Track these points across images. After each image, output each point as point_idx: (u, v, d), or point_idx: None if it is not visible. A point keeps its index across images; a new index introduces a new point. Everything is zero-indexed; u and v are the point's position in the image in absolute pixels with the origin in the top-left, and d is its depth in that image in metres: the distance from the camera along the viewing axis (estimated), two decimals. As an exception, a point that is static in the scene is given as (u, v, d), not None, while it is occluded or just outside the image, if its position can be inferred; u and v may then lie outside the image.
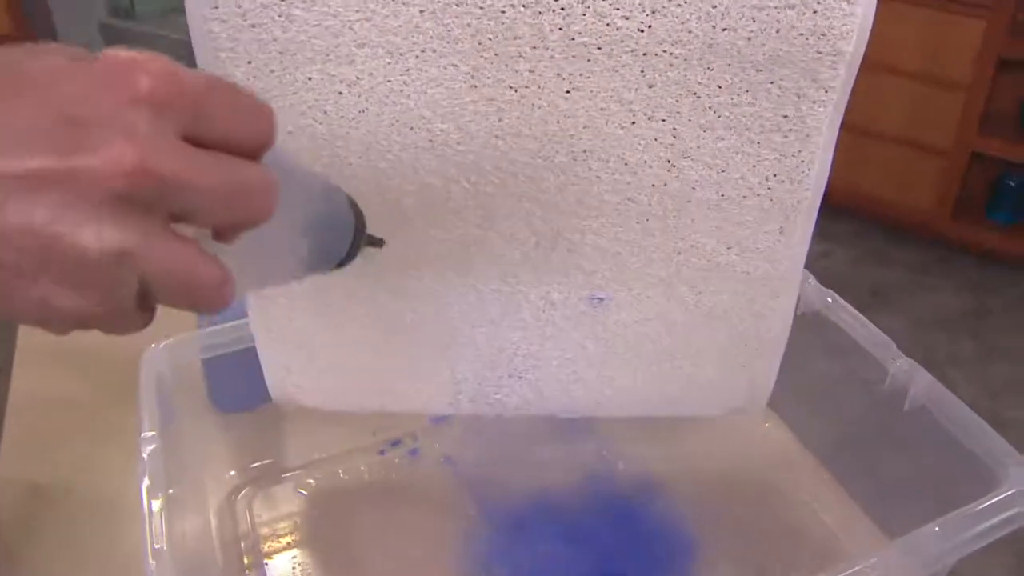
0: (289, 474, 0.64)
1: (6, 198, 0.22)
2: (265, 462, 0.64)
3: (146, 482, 0.47)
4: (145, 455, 0.49)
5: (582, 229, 0.49)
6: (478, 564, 0.57)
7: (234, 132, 0.26)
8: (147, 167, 0.23)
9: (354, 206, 0.37)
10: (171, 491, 0.49)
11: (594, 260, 0.50)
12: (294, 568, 0.57)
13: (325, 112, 0.44)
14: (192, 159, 0.24)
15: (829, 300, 0.61)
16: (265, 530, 0.59)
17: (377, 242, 0.40)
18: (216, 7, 0.40)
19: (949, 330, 1.94)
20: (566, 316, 0.53)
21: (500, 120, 0.44)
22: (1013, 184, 2.10)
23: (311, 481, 0.63)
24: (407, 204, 0.47)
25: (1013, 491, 0.48)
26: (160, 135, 0.24)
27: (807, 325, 0.58)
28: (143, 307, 0.27)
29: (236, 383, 0.64)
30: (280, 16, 0.40)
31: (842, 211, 2.20)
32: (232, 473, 0.63)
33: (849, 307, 0.61)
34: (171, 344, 0.56)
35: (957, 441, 0.53)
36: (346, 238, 0.36)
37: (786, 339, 0.56)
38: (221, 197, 0.25)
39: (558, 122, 0.45)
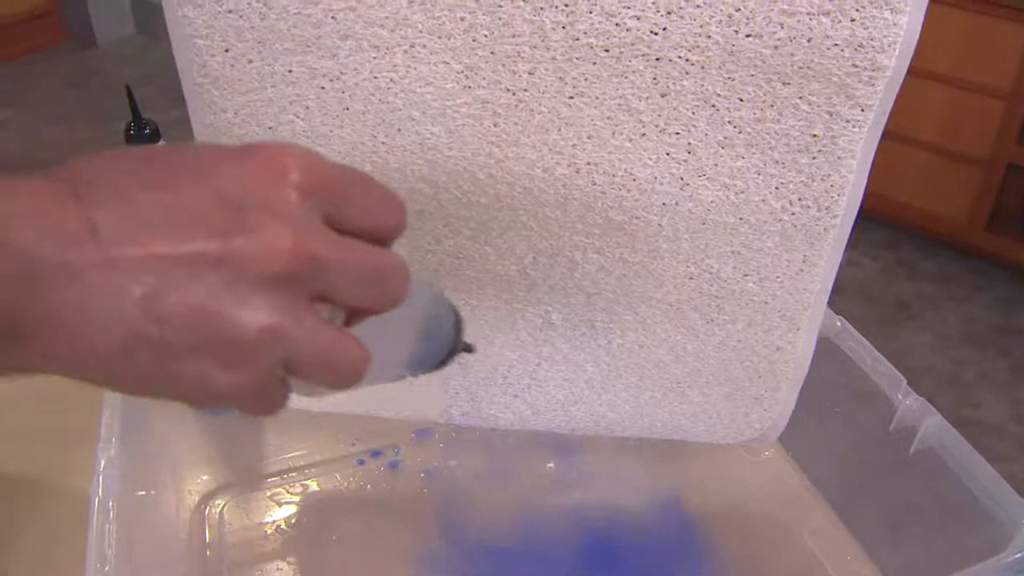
0: (265, 481, 0.61)
1: (172, 279, 0.24)
2: (240, 468, 0.61)
3: (99, 492, 0.44)
4: (102, 462, 0.46)
5: (584, 247, 0.45)
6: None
7: (370, 220, 0.28)
8: (301, 250, 0.25)
9: (456, 314, 0.37)
10: (140, 493, 0.46)
11: (597, 281, 0.46)
12: (260, 580, 0.54)
13: (307, 108, 0.41)
14: (337, 243, 0.26)
15: (839, 325, 0.56)
16: (235, 539, 0.56)
17: (470, 348, 0.38)
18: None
19: (979, 346, 1.86)
20: (566, 337, 0.49)
21: (496, 125, 0.40)
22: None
23: (286, 491, 0.60)
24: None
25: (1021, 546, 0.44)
26: (310, 220, 0.26)
27: (815, 351, 0.54)
28: (284, 384, 0.28)
29: None
30: (258, 2, 0.37)
31: (871, 219, 2.12)
32: (205, 478, 0.60)
33: (859, 335, 0.56)
34: None
35: (966, 489, 0.49)
36: (446, 344, 0.36)
37: (805, 373, 0.51)
38: (360, 279, 0.27)
39: (559, 130, 0.41)
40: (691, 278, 0.46)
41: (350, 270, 0.27)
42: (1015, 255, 2.05)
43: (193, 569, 0.54)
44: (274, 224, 0.25)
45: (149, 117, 0.74)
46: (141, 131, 0.73)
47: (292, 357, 0.26)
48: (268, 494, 0.60)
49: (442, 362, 0.37)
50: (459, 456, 0.63)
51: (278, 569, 0.55)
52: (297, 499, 0.60)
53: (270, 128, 0.42)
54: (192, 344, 0.25)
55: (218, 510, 0.58)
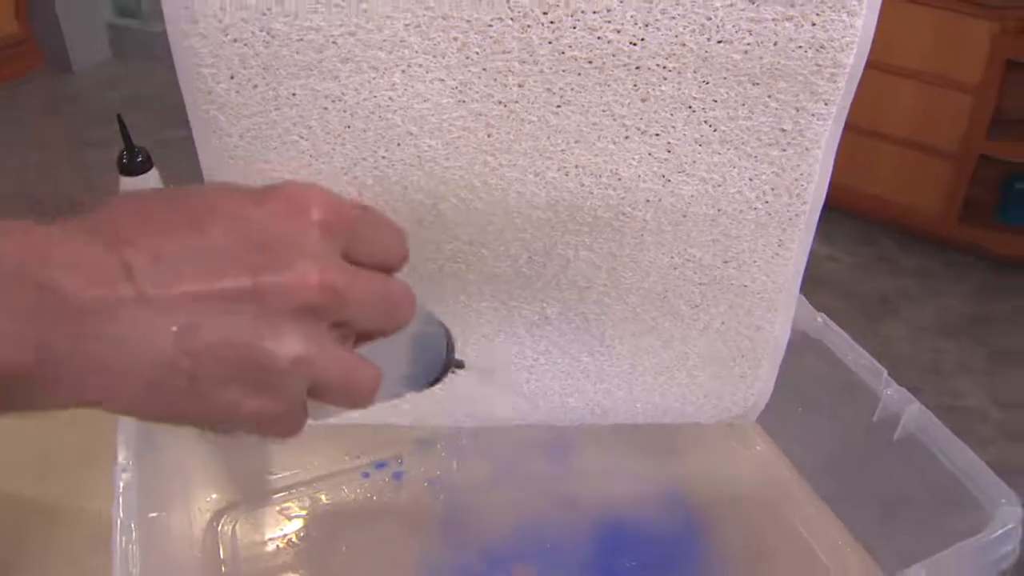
0: (273, 497, 0.62)
1: (207, 315, 0.25)
2: (248, 485, 0.63)
3: (120, 514, 0.46)
4: (120, 483, 0.48)
5: (575, 245, 0.48)
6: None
7: (379, 252, 0.31)
8: (327, 283, 0.27)
9: (447, 332, 0.39)
10: (152, 515, 0.48)
11: (588, 275, 0.49)
12: (275, 593, 0.56)
13: (310, 128, 0.43)
14: (355, 275, 0.29)
15: (820, 321, 0.59)
16: (247, 554, 0.58)
17: (460, 364, 0.41)
18: (196, 22, 0.39)
19: (956, 337, 1.92)
20: (561, 331, 0.52)
21: (489, 136, 0.43)
22: (1022, 187, 2.08)
23: (295, 505, 0.62)
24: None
25: (1008, 528, 0.47)
26: (331, 255, 0.28)
27: (797, 347, 0.57)
28: (304, 407, 0.30)
29: None
30: (262, 31, 0.39)
31: (849, 214, 2.18)
32: (215, 496, 0.62)
33: (840, 330, 0.60)
34: None
35: (948, 472, 0.52)
36: (439, 361, 0.38)
37: (784, 349, 0.54)
38: (375, 307, 0.30)
39: (548, 137, 0.44)
40: (675, 267, 0.49)
41: (367, 299, 0.29)
42: (988, 246, 2.12)
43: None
44: (301, 260, 0.27)
45: (140, 144, 0.75)
46: (134, 159, 0.75)
47: (318, 382, 0.28)
48: (277, 509, 0.62)
49: (436, 379, 0.39)
50: (461, 463, 0.65)
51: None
52: (305, 513, 0.61)
53: (274, 149, 0.44)
54: (224, 374, 0.26)
55: (230, 527, 0.60)
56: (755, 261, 0.49)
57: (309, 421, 0.32)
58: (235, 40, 0.40)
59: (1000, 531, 0.47)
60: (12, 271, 0.24)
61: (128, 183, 0.75)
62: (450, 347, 0.39)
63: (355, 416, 0.56)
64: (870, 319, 1.93)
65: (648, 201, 0.46)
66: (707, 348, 0.53)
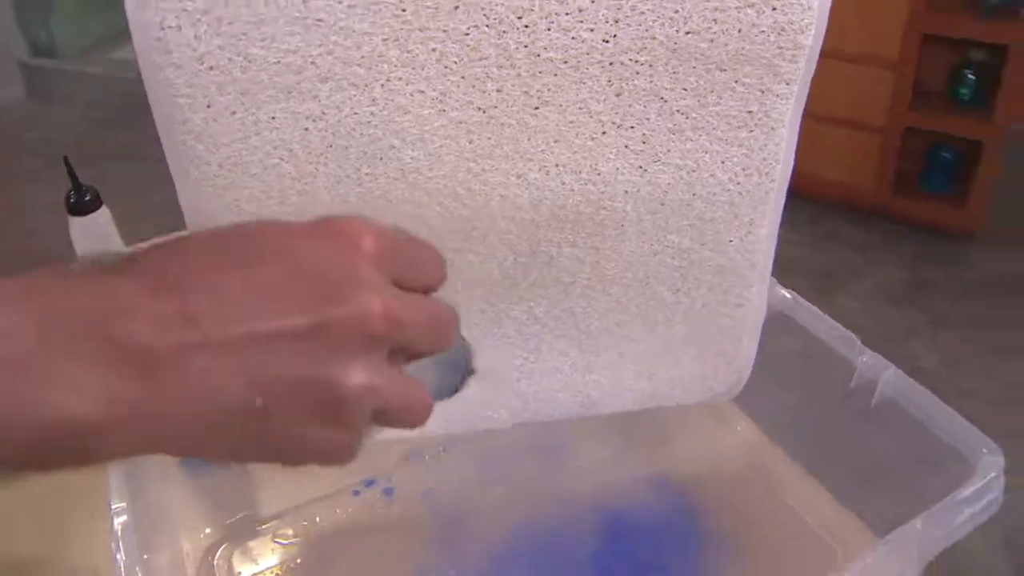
0: (265, 526, 0.62)
1: (275, 354, 0.26)
2: (239, 516, 0.63)
3: (121, 556, 0.45)
4: (118, 527, 0.47)
5: (559, 242, 0.49)
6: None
7: (423, 277, 0.31)
8: (390, 312, 0.27)
9: (467, 342, 0.40)
10: (145, 556, 0.47)
11: (572, 271, 0.50)
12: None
13: (291, 150, 0.43)
14: (410, 301, 0.29)
15: (788, 296, 0.61)
16: (246, 585, 0.58)
17: (473, 371, 0.42)
18: (169, 52, 0.39)
19: (899, 305, 1.99)
20: (549, 328, 0.53)
21: (470, 142, 0.44)
22: (948, 156, 2.16)
23: (288, 531, 0.62)
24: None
25: (991, 476, 0.49)
26: (387, 284, 0.28)
27: (769, 325, 0.58)
28: (364, 434, 0.30)
29: None
30: (239, 56, 0.39)
31: (796, 196, 2.23)
32: (208, 531, 0.61)
33: (810, 305, 0.61)
34: None
35: (928, 431, 0.54)
36: (462, 371, 0.40)
37: (761, 324, 0.56)
38: (428, 330, 0.30)
39: (528, 139, 0.45)
40: (655, 254, 0.50)
41: (422, 324, 0.29)
42: (920, 214, 2.20)
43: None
44: (360, 292, 0.27)
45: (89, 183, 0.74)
46: (82, 198, 0.73)
47: (382, 408, 0.29)
48: (270, 538, 0.61)
49: (457, 389, 0.40)
50: (451, 472, 0.65)
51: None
52: (299, 539, 0.61)
53: (254, 175, 0.44)
54: (296, 411, 0.27)
55: (225, 561, 0.60)
56: (730, 241, 0.51)
57: None
58: (211, 68, 0.40)
59: (984, 480, 0.49)
60: (83, 323, 0.24)
61: (78, 223, 0.74)
62: (470, 358, 0.40)
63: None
64: (820, 293, 1.99)
65: (627, 192, 0.47)
66: (690, 330, 0.55)
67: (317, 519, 0.63)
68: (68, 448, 0.25)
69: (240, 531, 0.62)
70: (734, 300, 0.54)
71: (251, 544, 0.61)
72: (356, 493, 0.64)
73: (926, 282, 2.07)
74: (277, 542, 0.61)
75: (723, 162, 0.47)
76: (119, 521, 0.48)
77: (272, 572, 0.59)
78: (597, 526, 0.60)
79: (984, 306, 1.93)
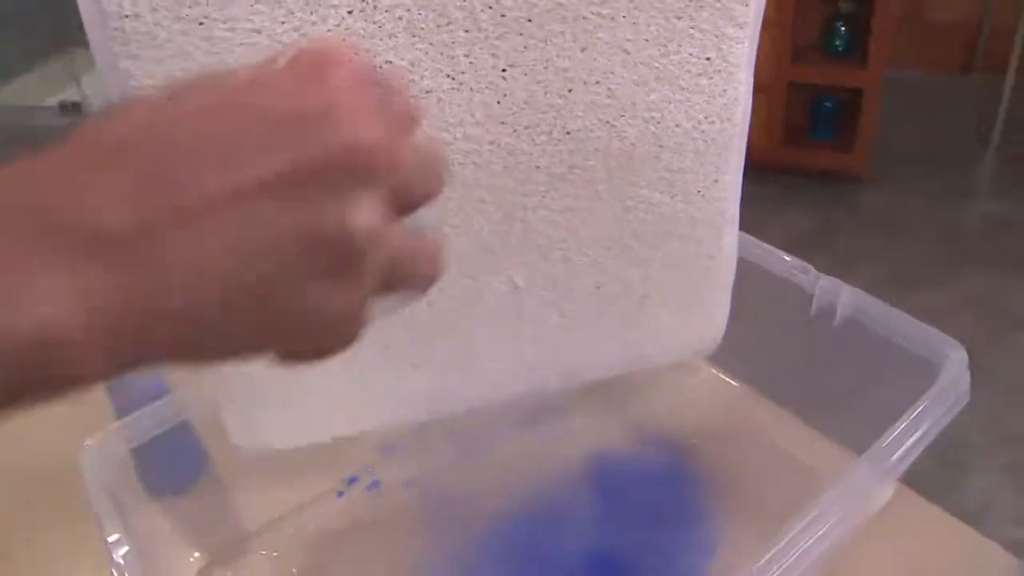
0: (253, 541, 0.60)
1: (262, 210, 0.22)
2: (226, 535, 0.60)
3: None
4: (120, 559, 0.45)
5: (533, 206, 0.49)
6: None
7: (402, 106, 0.26)
8: (382, 142, 0.23)
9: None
10: None
11: (549, 234, 0.50)
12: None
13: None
14: (397, 131, 0.24)
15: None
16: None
17: None
18: (127, 44, 0.37)
19: (807, 250, 2.07)
20: (531, 296, 0.52)
21: (442, 111, 0.43)
22: (829, 105, 2.26)
23: (277, 542, 0.60)
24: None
25: (958, 371, 0.52)
26: (373, 110, 0.23)
27: None
28: (370, 305, 0.26)
29: (168, 464, 0.60)
30: (203, 40, 0.38)
31: None
32: (196, 555, 0.59)
33: (757, 240, 0.62)
34: (102, 440, 0.53)
35: (892, 342, 0.55)
36: None
37: (734, 273, 0.57)
38: (421, 168, 0.26)
39: (498, 103, 0.44)
40: (628, 211, 0.51)
41: (415, 161, 0.25)
42: (812, 163, 2.30)
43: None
44: (345, 123, 0.23)
45: None
46: None
47: (392, 258, 0.25)
48: (261, 552, 0.59)
49: None
50: (432, 457, 0.64)
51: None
52: (290, 548, 0.59)
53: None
54: (300, 271, 0.23)
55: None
56: (699, 191, 0.52)
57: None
58: (174, 55, 0.38)
59: (952, 377, 0.52)
60: (28, 213, 0.20)
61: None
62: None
63: (320, 439, 0.54)
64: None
65: (597, 150, 0.48)
66: (667, 285, 0.55)
67: (306, 526, 0.61)
68: (42, 367, 0.20)
69: (229, 550, 0.59)
70: (706, 251, 0.55)
71: (242, 563, 0.59)
72: (340, 493, 0.63)
73: (830, 225, 2.16)
74: (268, 556, 0.59)
75: (687, 111, 0.48)
76: (120, 552, 0.46)
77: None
78: (589, 490, 0.60)
79: (884, 239, 2.04)
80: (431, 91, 0.43)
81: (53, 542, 0.60)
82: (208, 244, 0.21)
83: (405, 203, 0.26)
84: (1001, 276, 1.91)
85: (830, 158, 2.27)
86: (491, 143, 0.45)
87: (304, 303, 0.23)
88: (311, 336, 0.25)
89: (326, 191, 0.22)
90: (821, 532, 0.43)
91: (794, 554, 0.42)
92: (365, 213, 0.23)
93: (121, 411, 0.57)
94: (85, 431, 0.53)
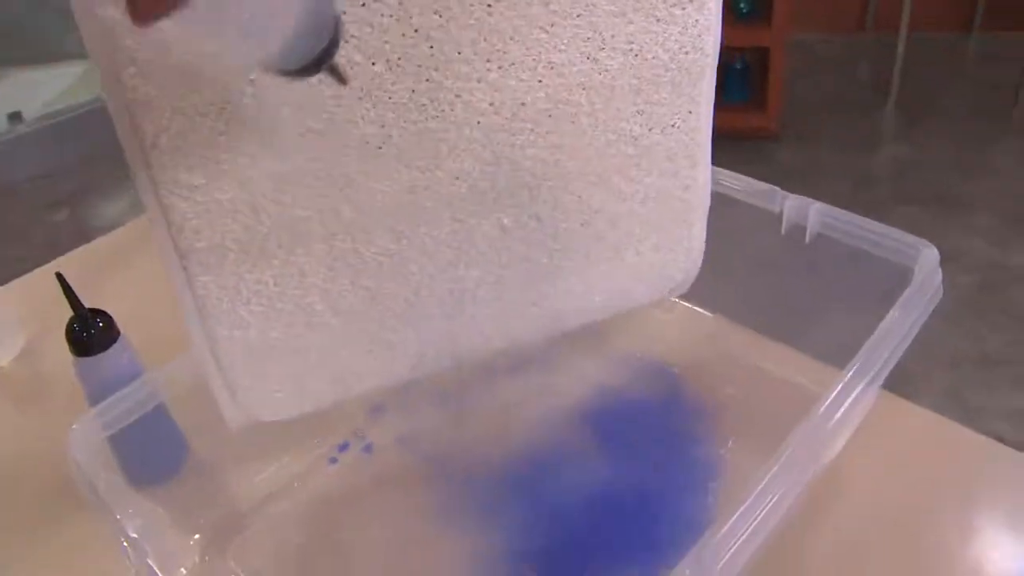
0: (254, 516, 0.59)
1: None
2: (224, 515, 0.59)
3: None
4: (134, 534, 0.44)
5: (521, 144, 0.49)
6: (475, 530, 0.55)
7: None
8: None
9: (337, 17, 0.34)
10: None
11: (536, 171, 0.50)
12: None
13: (252, 81, 0.41)
14: None
15: None
16: (253, 578, 0.54)
17: (340, 77, 0.37)
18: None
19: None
20: (519, 237, 0.53)
21: (431, 48, 0.43)
22: (739, 67, 2.32)
23: (276, 517, 0.59)
24: (347, 163, 0.45)
25: (931, 267, 0.53)
26: None
27: None
28: None
29: (148, 457, 0.59)
30: None
31: None
32: (197, 537, 0.57)
33: (721, 169, 0.62)
34: (84, 426, 0.51)
35: (864, 251, 0.56)
36: (322, 38, 0.33)
37: (708, 206, 0.59)
38: None
39: (485, 39, 0.44)
40: (610, 144, 0.52)
41: None
42: (728, 124, 2.34)
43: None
44: None
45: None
46: (90, 326, 0.55)
47: None
48: (264, 526, 0.58)
49: (315, 61, 0.34)
50: (423, 412, 0.63)
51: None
52: (293, 519, 0.58)
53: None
54: None
55: (223, 562, 0.56)
56: (674, 124, 0.53)
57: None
58: None
59: (926, 273, 0.53)
60: None
61: (86, 364, 0.56)
62: (336, 34, 0.34)
63: (310, 407, 0.54)
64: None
65: (580, 84, 0.48)
66: (648, 220, 0.56)
67: (304, 497, 0.59)
68: None
69: (228, 527, 0.58)
70: (683, 182, 0.56)
71: (247, 539, 0.57)
72: (333, 460, 0.62)
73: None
74: (272, 530, 0.57)
75: (663, 42, 0.49)
76: (134, 526, 0.45)
77: (279, 556, 0.56)
78: (583, 428, 0.61)
79: (805, 190, 2.10)
80: (419, 30, 0.42)
81: (51, 539, 0.58)
82: None
83: None
84: (915, 212, 2.01)
85: (745, 118, 2.33)
86: (479, 80, 0.45)
87: None
88: None
89: None
90: (819, 443, 0.45)
91: (796, 468, 0.43)
92: None
93: (94, 398, 0.55)
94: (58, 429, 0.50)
